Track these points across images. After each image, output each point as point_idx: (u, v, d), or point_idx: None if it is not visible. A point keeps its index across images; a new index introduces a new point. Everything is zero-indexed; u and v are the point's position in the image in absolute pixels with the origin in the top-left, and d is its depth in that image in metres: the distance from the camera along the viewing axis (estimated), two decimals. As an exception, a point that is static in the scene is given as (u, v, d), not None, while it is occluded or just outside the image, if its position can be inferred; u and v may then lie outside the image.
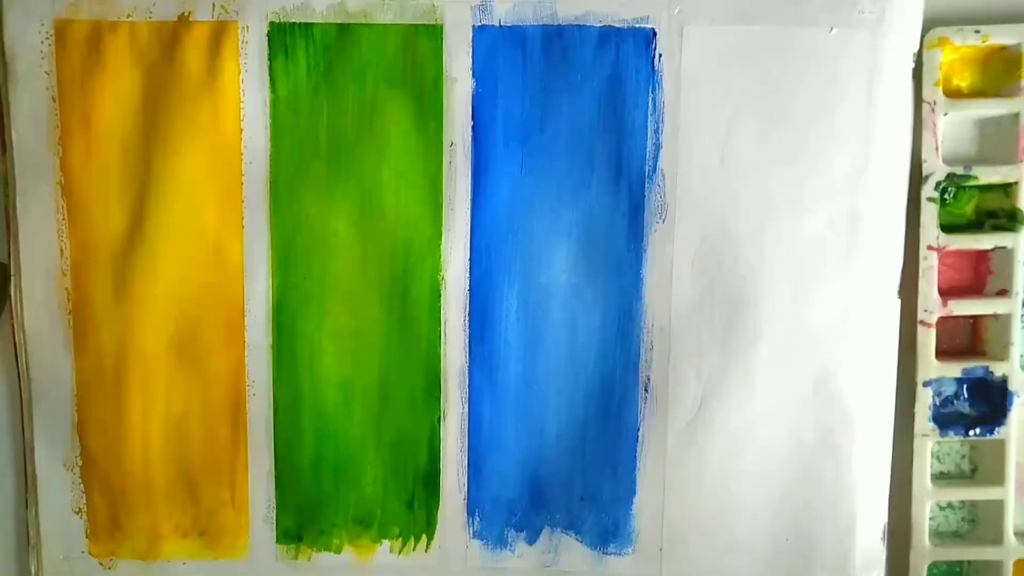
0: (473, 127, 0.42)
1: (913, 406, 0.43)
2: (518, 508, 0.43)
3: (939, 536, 0.44)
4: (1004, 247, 0.42)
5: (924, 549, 0.43)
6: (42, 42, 0.41)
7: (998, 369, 0.42)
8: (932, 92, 0.41)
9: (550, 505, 0.43)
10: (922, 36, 0.41)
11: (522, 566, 0.44)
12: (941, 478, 0.44)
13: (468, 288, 0.42)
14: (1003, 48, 0.41)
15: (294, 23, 0.41)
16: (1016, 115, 0.41)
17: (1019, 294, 0.42)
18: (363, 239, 0.42)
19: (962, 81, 0.42)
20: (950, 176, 0.41)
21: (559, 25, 0.41)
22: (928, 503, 0.43)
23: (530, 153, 0.41)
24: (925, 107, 0.41)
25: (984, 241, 0.42)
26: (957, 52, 0.41)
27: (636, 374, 0.42)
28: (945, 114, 0.41)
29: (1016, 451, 0.42)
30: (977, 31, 0.41)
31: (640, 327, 0.42)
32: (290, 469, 0.43)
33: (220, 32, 0.41)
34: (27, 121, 0.41)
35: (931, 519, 0.43)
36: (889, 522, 0.43)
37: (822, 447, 0.42)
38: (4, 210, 0.42)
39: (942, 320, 0.42)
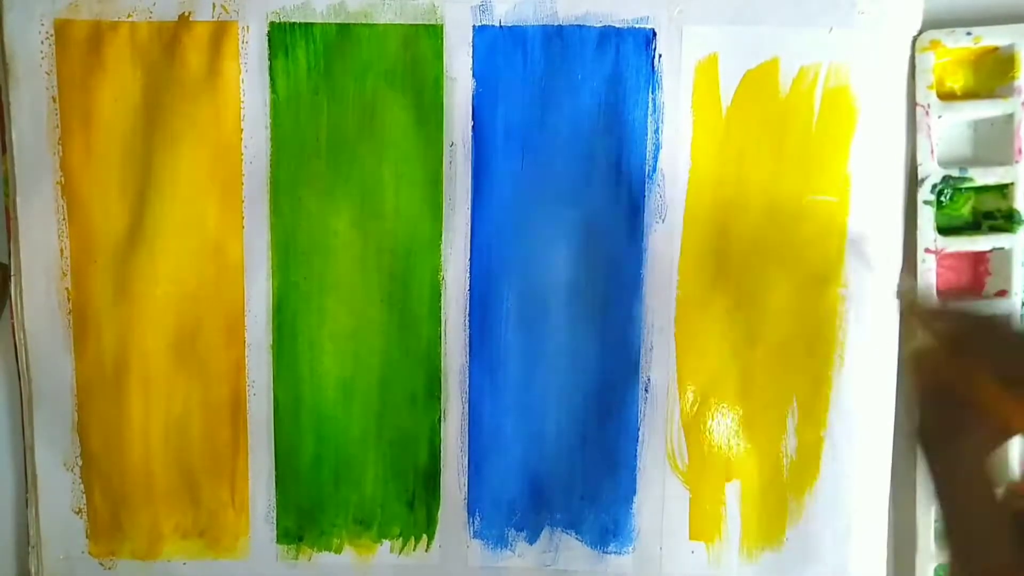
0: (473, 127, 0.42)
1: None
2: (518, 508, 0.43)
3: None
4: (1002, 248, 0.42)
5: (930, 551, 0.43)
6: (42, 42, 0.41)
7: (998, 369, 0.42)
8: (926, 95, 0.41)
9: (550, 505, 0.43)
10: (914, 40, 0.41)
11: (522, 566, 0.44)
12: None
13: (468, 288, 0.42)
14: (995, 49, 0.42)
15: (294, 23, 0.41)
16: (1010, 116, 0.41)
17: (1018, 294, 0.42)
18: (363, 239, 0.42)
19: (955, 83, 0.42)
20: (946, 178, 0.42)
21: (559, 25, 0.41)
22: (933, 505, 0.42)
23: (530, 153, 0.42)
24: (919, 110, 0.41)
25: (982, 242, 0.42)
26: (949, 54, 0.42)
27: (636, 374, 0.43)
28: (939, 116, 0.41)
29: (1020, 451, 0.42)
30: (969, 33, 0.41)
31: (640, 327, 0.42)
32: (290, 469, 0.43)
33: (220, 32, 0.41)
34: (27, 121, 0.41)
35: (936, 521, 0.43)
36: (892, 524, 0.43)
37: (822, 447, 0.43)
38: (4, 210, 0.42)
39: (942, 321, 0.43)
